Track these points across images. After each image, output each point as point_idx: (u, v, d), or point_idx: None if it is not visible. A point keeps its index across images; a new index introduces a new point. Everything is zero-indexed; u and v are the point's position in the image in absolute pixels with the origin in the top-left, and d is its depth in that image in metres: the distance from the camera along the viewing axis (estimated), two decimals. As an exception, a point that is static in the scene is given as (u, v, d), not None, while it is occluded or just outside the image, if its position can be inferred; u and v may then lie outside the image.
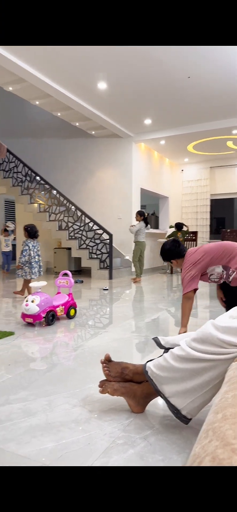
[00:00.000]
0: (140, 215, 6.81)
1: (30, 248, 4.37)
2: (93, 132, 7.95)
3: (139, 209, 8.11)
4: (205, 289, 5.78)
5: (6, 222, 9.94)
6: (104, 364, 1.60)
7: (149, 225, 6.98)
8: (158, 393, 1.39)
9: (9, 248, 8.03)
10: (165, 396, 1.36)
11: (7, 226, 8.08)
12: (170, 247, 2.74)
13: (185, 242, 8.38)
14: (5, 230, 8.03)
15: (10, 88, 5.98)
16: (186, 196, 10.23)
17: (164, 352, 1.49)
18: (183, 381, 1.29)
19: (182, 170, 10.28)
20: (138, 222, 6.80)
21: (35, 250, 4.40)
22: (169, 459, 1.22)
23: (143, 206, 9.15)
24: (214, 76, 5.23)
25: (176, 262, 2.72)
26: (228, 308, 2.28)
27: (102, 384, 1.56)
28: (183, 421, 1.33)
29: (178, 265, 2.72)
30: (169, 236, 8.03)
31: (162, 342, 1.53)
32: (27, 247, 4.37)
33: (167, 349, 1.49)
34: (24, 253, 4.38)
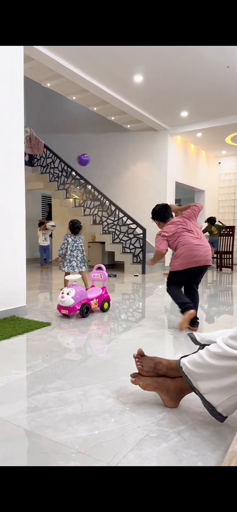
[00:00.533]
0: None
1: (69, 242, 4.41)
2: (128, 126, 7.94)
3: (173, 203, 8.01)
4: (241, 285, 5.61)
5: (43, 217, 10.21)
6: (137, 359, 1.61)
7: None
8: (192, 389, 1.37)
9: (47, 243, 8.20)
10: (200, 392, 1.34)
11: (48, 225, 8.10)
12: (158, 210, 3.16)
13: (222, 237, 8.16)
14: (41, 224, 8.19)
15: (48, 84, 6.12)
16: (223, 189, 9.94)
17: (198, 349, 1.47)
18: (219, 379, 1.27)
19: (219, 163, 10.00)
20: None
21: (75, 245, 4.43)
22: (203, 456, 1.21)
23: (177, 200, 9.02)
24: (254, 64, 5.01)
25: (158, 223, 3.19)
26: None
27: (135, 375, 1.57)
28: (218, 418, 1.31)
29: (160, 227, 3.17)
30: (203, 231, 7.88)
31: (198, 338, 1.51)
32: (65, 241, 4.43)
33: (202, 346, 1.47)
34: (62, 246, 4.45)
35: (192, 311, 2.74)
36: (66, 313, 3.26)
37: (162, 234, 3.00)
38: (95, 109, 7.14)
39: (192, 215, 3.05)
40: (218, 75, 5.36)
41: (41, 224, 8.16)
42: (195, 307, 2.90)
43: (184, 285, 3.05)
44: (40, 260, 8.24)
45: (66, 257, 4.38)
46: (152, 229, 7.83)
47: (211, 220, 7.91)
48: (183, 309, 2.79)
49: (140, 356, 1.62)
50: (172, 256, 3.09)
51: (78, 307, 3.24)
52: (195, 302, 2.96)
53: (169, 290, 3.00)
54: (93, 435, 1.33)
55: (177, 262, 2.90)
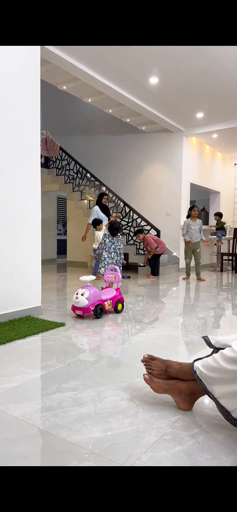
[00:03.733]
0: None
1: (106, 243, 4.38)
2: (143, 128, 7.94)
3: (188, 204, 7.95)
4: (257, 289, 5.52)
5: (59, 219, 10.26)
6: (145, 363, 1.61)
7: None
8: (207, 393, 1.36)
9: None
10: (215, 397, 1.33)
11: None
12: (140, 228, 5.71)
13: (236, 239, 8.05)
14: (98, 222, 6.48)
15: (64, 87, 6.18)
16: (239, 191, 9.81)
17: (212, 352, 1.46)
18: (233, 383, 1.25)
19: (235, 164, 9.87)
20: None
21: (112, 246, 4.36)
22: (218, 459, 1.20)
23: (192, 201, 8.95)
24: None
25: (140, 235, 6.59)
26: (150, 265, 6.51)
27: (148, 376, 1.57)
28: (233, 423, 1.29)
29: (140, 238, 6.64)
30: (219, 227, 7.99)
31: (212, 342, 1.49)
32: (102, 241, 4.42)
33: (216, 349, 1.45)
34: (99, 246, 4.45)
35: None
36: (81, 313, 3.28)
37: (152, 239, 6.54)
38: (110, 111, 7.16)
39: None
40: (233, 76, 5.30)
41: (97, 223, 6.27)
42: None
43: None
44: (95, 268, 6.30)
45: (103, 258, 4.33)
46: (167, 230, 7.83)
47: (220, 215, 8.10)
48: (153, 272, 6.55)
49: (150, 359, 1.62)
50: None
51: (92, 308, 3.26)
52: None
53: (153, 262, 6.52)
54: (107, 436, 1.34)
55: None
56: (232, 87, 5.71)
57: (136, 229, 7.23)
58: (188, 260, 6.56)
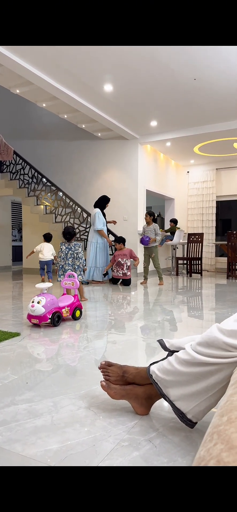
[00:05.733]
0: (150, 215, 6.64)
1: (63, 250, 4.27)
2: (99, 134, 7.98)
3: (145, 210, 8.11)
4: (210, 291, 5.76)
5: (14, 225, 9.98)
6: (102, 370, 1.60)
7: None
8: (163, 396, 1.39)
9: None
10: (170, 399, 1.35)
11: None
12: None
13: (191, 243, 8.37)
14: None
15: (18, 91, 6.03)
16: (192, 197, 10.21)
17: (167, 355, 1.49)
18: (188, 385, 1.29)
19: (188, 172, 10.26)
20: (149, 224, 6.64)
21: (70, 252, 4.26)
22: (174, 462, 1.22)
23: (148, 207, 9.14)
24: (220, 78, 5.22)
25: (120, 245, 6.52)
26: None
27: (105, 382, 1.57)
28: (188, 425, 1.33)
29: (119, 246, 6.52)
30: (170, 230, 8.49)
31: (167, 345, 1.53)
32: (59, 250, 4.30)
33: (171, 352, 1.49)
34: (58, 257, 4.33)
35: None
36: (37, 322, 3.20)
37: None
38: (65, 116, 7.12)
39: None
40: (185, 87, 5.52)
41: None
42: None
43: None
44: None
45: (61, 265, 4.23)
46: (124, 235, 7.90)
47: (175, 221, 8.68)
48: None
49: (107, 366, 1.61)
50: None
51: (49, 316, 3.19)
52: None
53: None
54: (64, 447, 1.31)
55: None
56: (184, 98, 5.94)
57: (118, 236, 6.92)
58: (145, 264, 6.66)
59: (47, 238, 6.73)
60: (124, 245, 6.61)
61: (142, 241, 6.53)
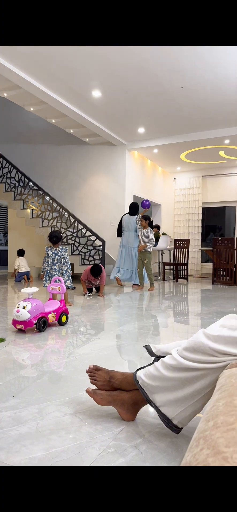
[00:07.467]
0: (145, 219, 6.51)
1: (49, 255, 4.20)
2: (87, 139, 7.99)
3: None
4: (196, 296, 5.81)
5: (0, 229, 9.87)
6: (90, 374, 1.59)
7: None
8: (149, 402, 1.38)
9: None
10: (156, 405, 1.35)
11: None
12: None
13: (177, 249, 8.43)
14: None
15: (5, 94, 5.99)
16: (178, 204, 10.31)
17: (154, 360, 1.49)
18: (174, 390, 1.29)
19: (174, 179, 10.37)
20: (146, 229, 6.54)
21: (56, 257, 4.20)
22: (160, 468, 1.22)
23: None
24: (206, 86, 5.30)
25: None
26: None
27: (92, 389, 1.55)
28: (174, 430, 1.33)
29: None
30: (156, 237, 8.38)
31: (154, 350, 1.53)
32: (46, 255, 4.23)
33: (158, 357, 1.49)
34: (43, 261, 4.24)
35: None
36: (22, 328, 3.16)
37: None
38: (53, 121, 7.10)
39: None
40: (172, 95, 5.59)
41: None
42: None
43: None
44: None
45: (47, 270, 4.16)
46: (111, 241, 7.91)
47: (158, 227, 9.00)
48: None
49: (95, 370, 1.60)
50: None
51: (34, 321, 3.16)
52: None
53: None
54: (48, 455, 1.29)
55: None
56: (171, 106, 6.01)
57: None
58: (139, 269, 6.62)
59: (22, 253, 7.92)
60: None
61: (143, 205, 6.85)
